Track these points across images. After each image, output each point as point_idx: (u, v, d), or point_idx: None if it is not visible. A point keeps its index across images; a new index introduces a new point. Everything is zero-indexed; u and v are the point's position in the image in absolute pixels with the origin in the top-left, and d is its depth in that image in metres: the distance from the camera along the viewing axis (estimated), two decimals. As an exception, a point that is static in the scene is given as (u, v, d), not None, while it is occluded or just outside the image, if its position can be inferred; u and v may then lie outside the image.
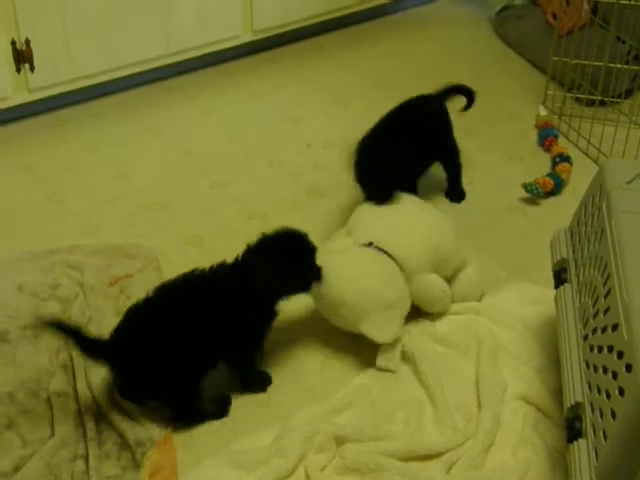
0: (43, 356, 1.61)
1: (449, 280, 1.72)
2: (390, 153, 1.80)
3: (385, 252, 1.64)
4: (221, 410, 1.55)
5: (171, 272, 1.81)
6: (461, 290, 1.74)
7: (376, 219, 1.73)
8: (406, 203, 1.76)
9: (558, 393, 1.54)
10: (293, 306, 1.76)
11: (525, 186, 2.06)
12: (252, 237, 1.93)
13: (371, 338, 1.60)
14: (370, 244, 1.65)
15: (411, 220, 1.72)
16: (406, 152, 1.81)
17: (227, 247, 1.90)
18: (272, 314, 1.57)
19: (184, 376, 1.46)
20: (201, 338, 1.46)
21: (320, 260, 1.60)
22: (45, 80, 2.24)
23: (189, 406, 1.51)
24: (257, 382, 1.60)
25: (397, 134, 1.86)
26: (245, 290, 1.51)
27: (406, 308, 1.64)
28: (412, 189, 1.89)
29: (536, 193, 2.06)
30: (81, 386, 1.54)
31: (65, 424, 1.47)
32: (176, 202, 2.06)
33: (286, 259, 1.53)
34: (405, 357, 1.63)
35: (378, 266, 1.63)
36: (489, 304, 1.78)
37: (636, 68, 2.24)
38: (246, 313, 1.51)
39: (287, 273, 1.53)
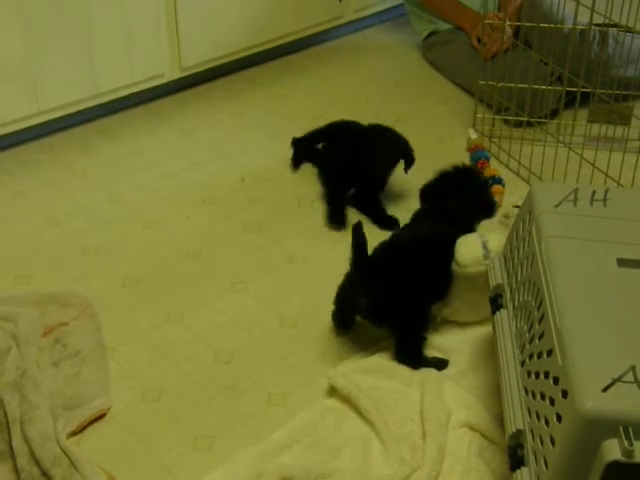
0: (-25, 414, 1.56)
1: None
2: None
3: None
4: (441, 364, 1.69)
5: (108, 317, 1.81)
6: None
7: None
8: None
9: (502, 419, 1.54)
10: (235, 345, 1.75)
11: None
12: (188, 276, 1.93)
13: None
14: None
15: None
16: None
17: (164, 287, 1.90)
18: None
19: (419, 309, 1.67)
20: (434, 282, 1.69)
21: None
22: (-31, 128, 2.20)
23: (416, 342, 1.69)
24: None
25: None
26: None
27: None
28: None
29: None
30: (17, 442, 1.50)
31: (1, 484, 1.43)
32: (109, 245, 2.03)
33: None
34: (343, 396, 1.62)
35: None
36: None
37: (560, 89, 2.28)
38: None
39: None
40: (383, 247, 1.71)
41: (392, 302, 1.65)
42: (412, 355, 1.69)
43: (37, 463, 1.47)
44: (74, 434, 1.56)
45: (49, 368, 1.67)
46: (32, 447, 1.49)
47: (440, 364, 1.70)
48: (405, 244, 1.72)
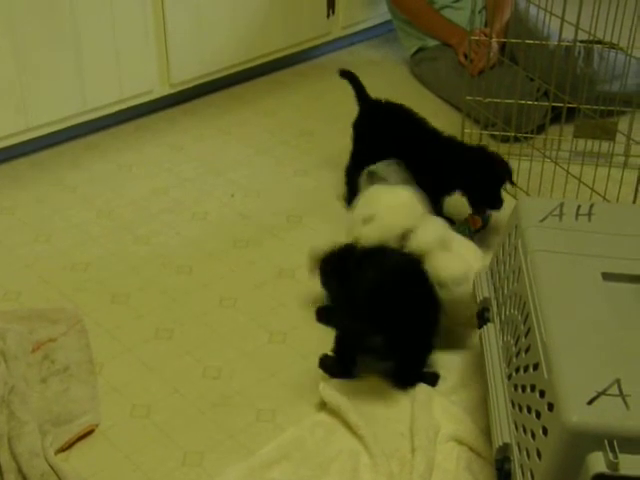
0: (-36, 430, 1.56)
1: None
2: None
3: None
4: (433, 380, 1.68)
5: (97, 333, 1.80)
6: None
7: None
8: None
9: (490, 432, 1.55)
10: (224, 360, 1.75)
11: (455, 227, 2.08)
12: (177, 291, 1.94)
13: None
14: None
15: None
16: None
17: (153, 303, 1.90)
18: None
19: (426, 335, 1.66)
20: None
21: None
22: (-42, 144, 2.20)
23: (417, 370, 1.68)
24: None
25: None
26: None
27: None
28: None
29: (466, 232, 2.08)
30: (4, 458, 1.50)
31: (-11, 501, 1.43)
32: (99, 261, 2.03)
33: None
34: (333, 410, 1.62)
35: None
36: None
37: (546, 104, 2.30)
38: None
39: None
40: (365, 288, 1.67)
41: (404, 334, 1.63)
42: (411, 382, 1.68)
43: (25, 479, 1.46)
44: (62, 450, 1.55)
45: (37, 384, 1.67)
46: (20, 463, 1.48)
47: (432, 379, 1.70)
48: (386, 278, 1.68)
